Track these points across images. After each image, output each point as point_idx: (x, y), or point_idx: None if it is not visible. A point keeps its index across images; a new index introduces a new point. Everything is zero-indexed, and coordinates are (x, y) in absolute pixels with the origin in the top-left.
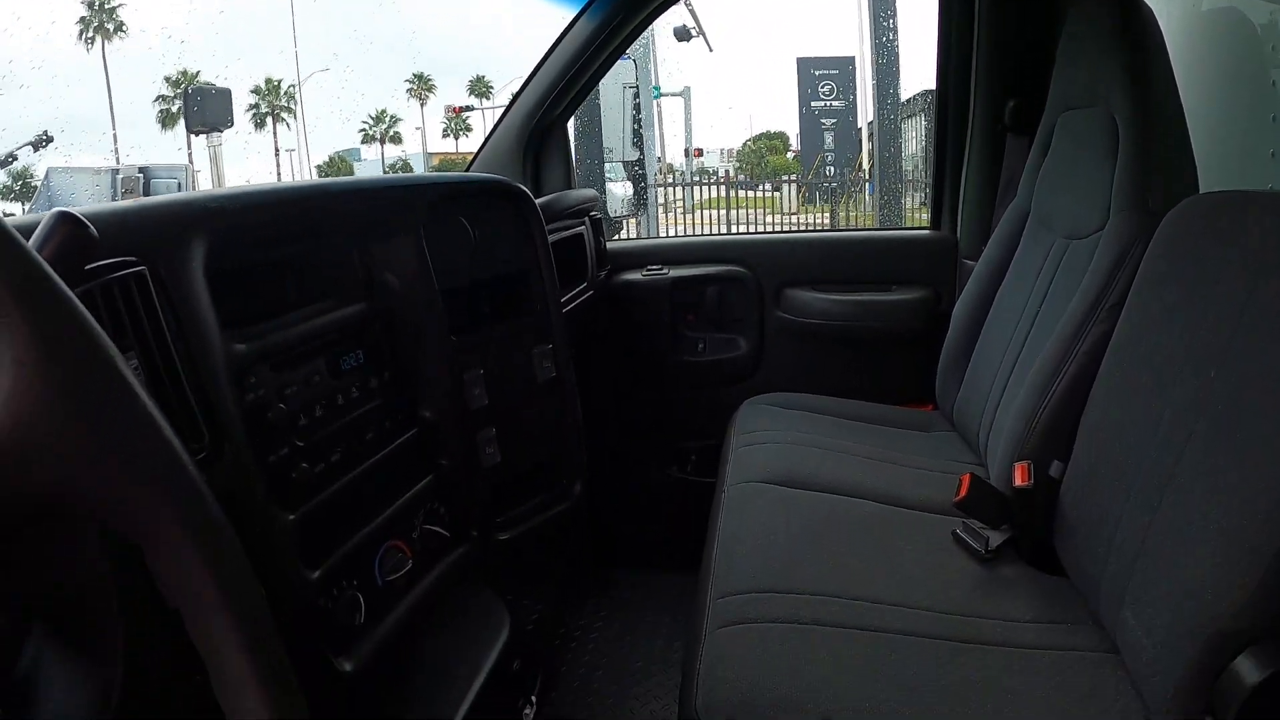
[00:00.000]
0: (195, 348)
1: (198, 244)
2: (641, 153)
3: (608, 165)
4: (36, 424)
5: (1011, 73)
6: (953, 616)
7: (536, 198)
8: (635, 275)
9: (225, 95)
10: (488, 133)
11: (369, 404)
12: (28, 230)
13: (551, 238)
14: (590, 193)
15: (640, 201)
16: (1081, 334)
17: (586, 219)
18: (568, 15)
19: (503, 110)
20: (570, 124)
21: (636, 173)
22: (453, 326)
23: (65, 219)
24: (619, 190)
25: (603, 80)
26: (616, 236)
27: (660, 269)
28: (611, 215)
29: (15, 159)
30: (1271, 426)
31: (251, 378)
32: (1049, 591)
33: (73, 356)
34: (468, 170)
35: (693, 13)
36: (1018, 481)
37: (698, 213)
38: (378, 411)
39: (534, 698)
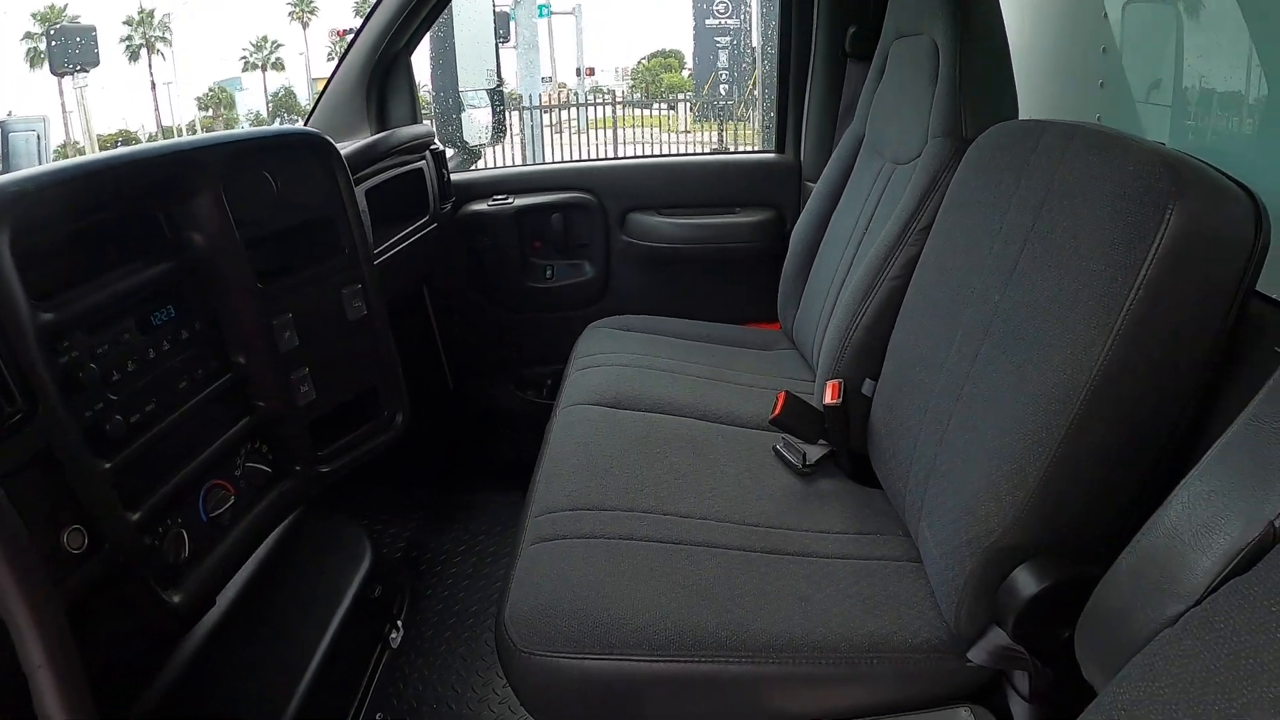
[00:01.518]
0: (4, 321)
1: (1, 228)
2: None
3: (470, 94)
4: None
5: (852, 1)
6: (761, 529)
7: (375, 135)
8: (481, 205)
9: (90, 32)
10: (330, 71)
11: (181, 355)
12: None
13: (386, 174)
14: (424, 128)
15: (499, 128)
16: (892, 257)
17: (428, 153)
18: None
19: (348, 42)
20: (427, 52)
21: (494, 100)
22: (261, 274)
23: None
24: (479, 119)
25: (458, 3)
26: (476, 165)
27: (505, 199)
28: (471, 144)
29: None
30: (1041, 351)
31: (65, 342)
32: (862, 503)
33: None
34: (312, 109)
35: None
36: (828, 399)
37: (591, 132)
38: (190, 361)
39: (400, 622)
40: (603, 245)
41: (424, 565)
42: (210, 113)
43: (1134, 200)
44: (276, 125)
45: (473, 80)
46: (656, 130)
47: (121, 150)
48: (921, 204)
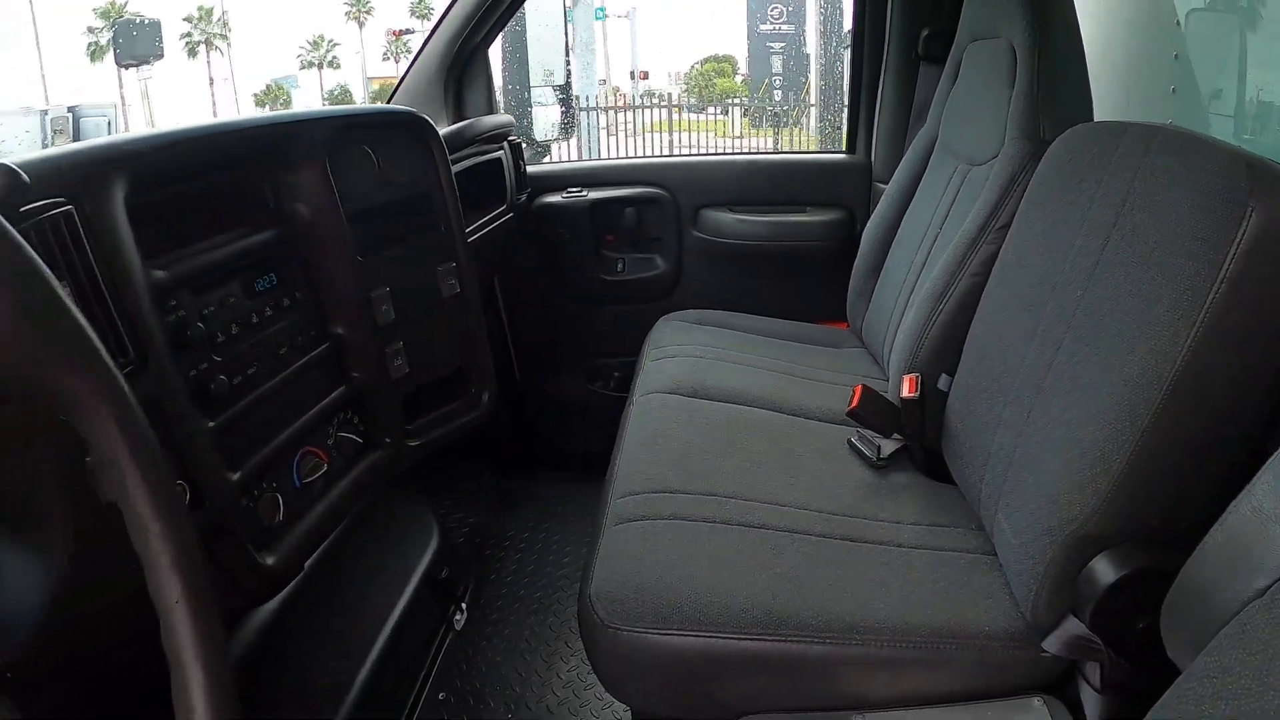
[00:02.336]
0: (119, 275)
1: (118, 184)
2: (569, 77)
3: (539, 90)
4: None
5: (926, 4)
6: (839, 517)
7: (457, 123)
8: (555, 198)
9: (154, 27)
10: (410, 60)
11: (282, 322)
12: None
13: (467, 163)
14: (505, 118)
15: (568, 126)
16: (971, 254)
17: (505, 143)
18: None
19: (428, 33)
20: (500, 48)
21: (562, 97)
22: (360, 248)
23: (1, 170)
24: (547, 115)
25: (530, 2)
26: (545, 160)
27: (580, 191)
28: (540, 140)
29: None
30: (1125, 342)
31: (173, 300)
32: (936, 497)
33: (16, 278)
34: (390, 96)
35: None
36: (905, 392)
37: (644, 136)
38: (290, 329)
39: (464, 604)
40: (675, 240)
41: (489, 550)
42: (267, 109)
43: (1216, 199)
44: (371, 105)
45: (543, 77)
46: (710, 135)
47: (232, 118)
48: (1000, 202)
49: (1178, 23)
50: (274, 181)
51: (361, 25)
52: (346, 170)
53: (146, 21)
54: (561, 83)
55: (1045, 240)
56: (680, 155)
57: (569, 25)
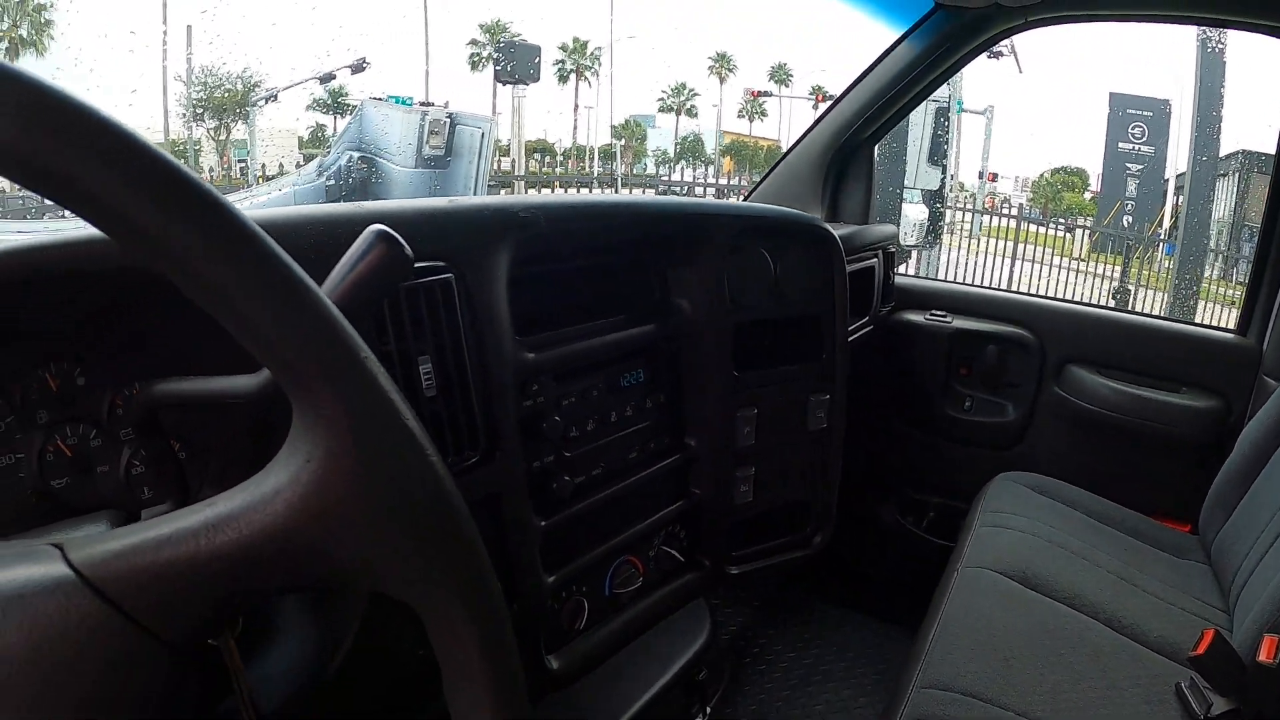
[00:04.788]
0: (489, 353)
1: (504, 253)
2: (943, 180)
3: (910, 190)
4: (340, 512)
5: None
6: None
7: (833, 221)
8: (918, 317)
9: (535, 51)
10: (788, 146)
11: (640, 424)
12: (335, 227)
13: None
14: (891, 229)
15: (935, 232)
16: None
17: (880, 251)
18: (889, 34)
19: (813, 121)
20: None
21: (935, 204)
22: (738, 360)
23: (383, 238)
24: (913, 216)
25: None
26: (900, 268)
27: (944, 316)
28: (901, 244)
29: (334, 77)
30: None
31: (534, 385)
32: None
33: (380, 445)
34: (762, 179)
35: None
36: (1263, 656)
37: (982, 240)
38: (646, 432)
39: (708, 708)
40: (1032, 391)
41: (749, 658)
42: (622, 142)
43: None
44: (780, 208)
45: (921, 178)
46: (1049, 251)
47: (633, 197)
48: None
49: None
50: (663, 271)
51: (722, 81)
52: (740, 272)
53: (529, 45)
54: (935, 187)
55: None
56: (1053, 299)
57: (953, 128)
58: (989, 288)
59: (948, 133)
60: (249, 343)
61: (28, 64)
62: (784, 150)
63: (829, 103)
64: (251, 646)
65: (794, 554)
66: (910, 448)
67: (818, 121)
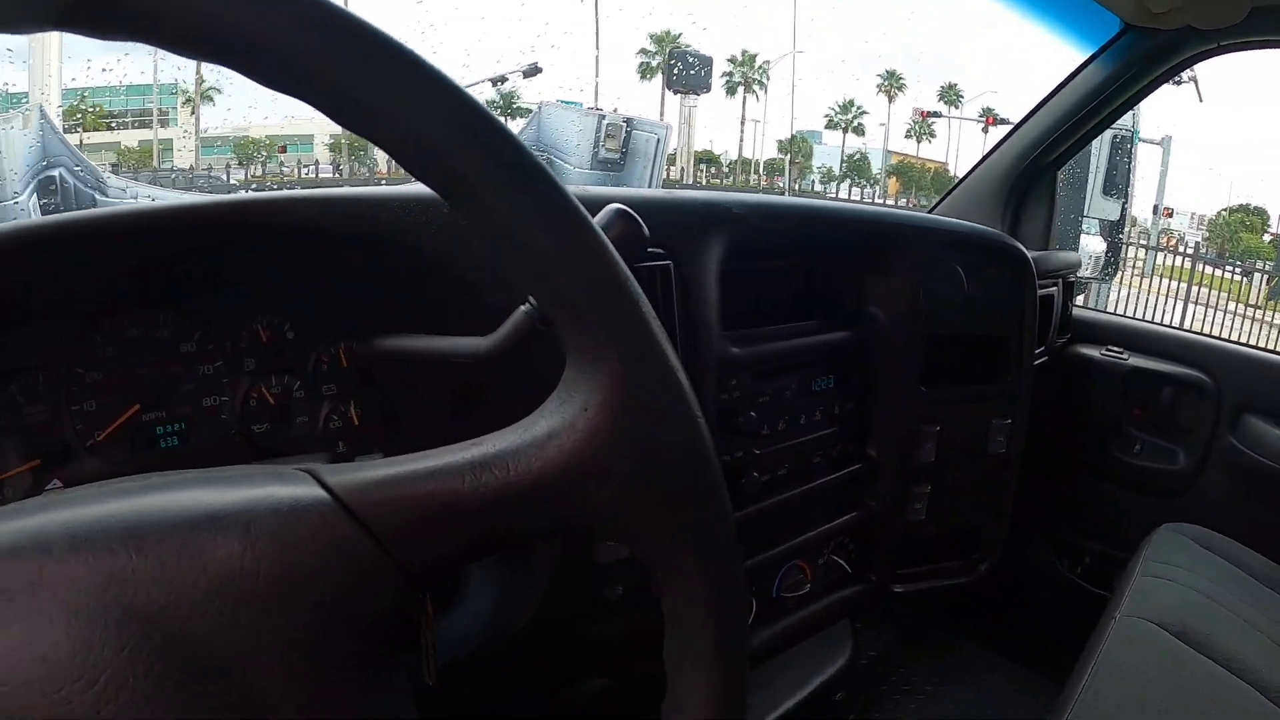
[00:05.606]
0: (700, 343)
1: (716, 246)
2: (1122, 212)
3: (1088, 220)
4: (604, 461)
5: None
6: None
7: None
8: (1094, 352)
9: (708, 62)
10: (970, 168)
11: (827, 429)
12: None
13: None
14: (1075, 257)
15: (1112, 266)
16: None
17: (1060, 279)
18: (1070, 55)
19: (996, 141)
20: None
21: (1114, 236)
22: (925, 375)
23: (622, 215)
24: (1090, 247)
25: None
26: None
27: (1120, 352)
28: (1082, 277)
29: (506, 80)
30: None
31: (733, 379)
32: None
33: (652, 397)
34: (943, 197)
35: None
36: None
37: (1152, 279)
38: (832, 439)
39: None
40: (1205, 440)
41: (885, 685)
42: (788, 156)
43: None
44: (975, 225)
45: (1099, 208)
46: (1224, 296)
47: (838, 204)
48: None
49: None
50: (859, 279)
51: (891, 100)
52: (934, 287)
53: (702, 55)
54: (1114, 218)
55: None
56: (1236, 343)
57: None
58: (1169, 325)
59: (1128, 162)
60: (532, 279)
61: None
62: (954, 174)
63: (1005, 125)
64: (438, 601)
65: (958, 579)
66: (1072, 487)
67: (1002, 142)
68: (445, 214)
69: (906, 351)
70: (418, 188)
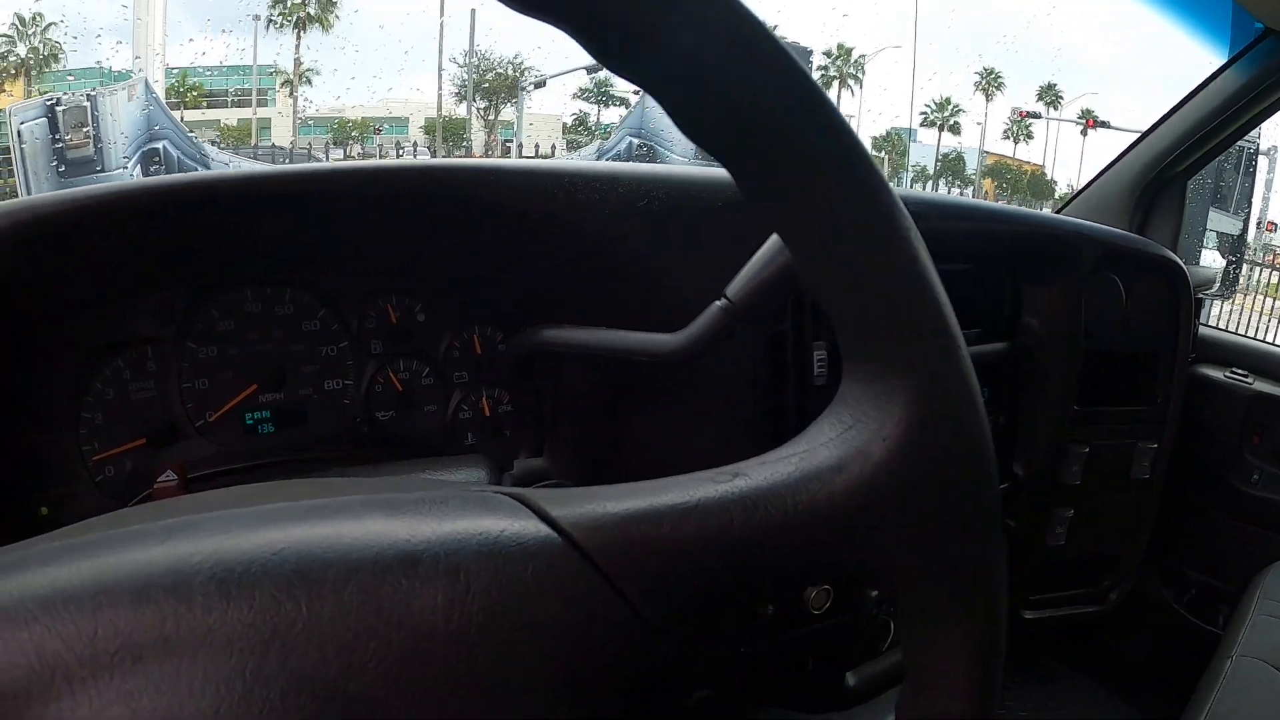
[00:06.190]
0: None
1: None
2: (1244, 226)
3: (1210, 233)
4: (900, 496)
5: None
6: None
7: None
8: (1217, 373)
9: (806, 54)
10: (1097, 172)
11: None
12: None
13: None
14: (1211, 272)
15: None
16: None
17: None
18: (1212, 60)
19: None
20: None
21: (1236, 252)
22: (1079, 393)
23: None
24: (1209, 262)
25: None
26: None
27: (1245, 376)
28: (1201, 294)
29: (601, 69)
30: None
31: None
32: None
33: (958, 430)
34: (1068, 201)
35: None
36: None
37: (1250, 296)
38: None
39: None
40: None
41: None
42: (883, 154)
43: None
44: (1134, 235)
45: (1215, 221)
46: None
47: (1009, 207)
48: None
49: None
50: (1018, 287)
51: (989, 99)
52: (1094, 298)
53: (800, 47)
54: (1236, 232)
55: None
56: None
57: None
58: None
59: (1251, 175)
60: (830, 285)
61: (314, 39)
62: (1051, 177)
63: (1105, 128)
64: None
65: (1088, 608)
66: (1185, 515)
67: (1131, 147)
68: (619, 194)
69: (1064, 366)
70: (577, 164)
